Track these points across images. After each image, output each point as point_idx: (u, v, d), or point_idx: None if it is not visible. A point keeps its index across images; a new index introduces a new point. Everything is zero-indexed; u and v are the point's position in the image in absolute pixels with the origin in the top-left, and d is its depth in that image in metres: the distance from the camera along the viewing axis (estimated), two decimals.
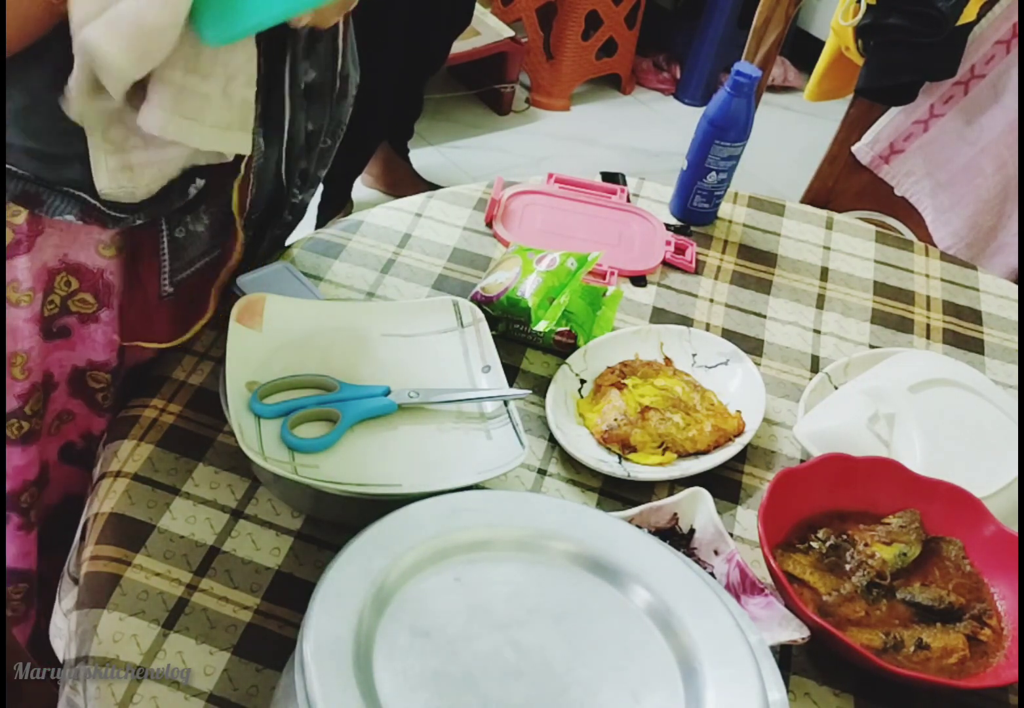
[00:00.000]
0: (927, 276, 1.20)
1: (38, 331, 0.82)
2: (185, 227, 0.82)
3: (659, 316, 1.07)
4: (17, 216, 0.75)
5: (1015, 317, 1.16)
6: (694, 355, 1.00)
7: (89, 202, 0.74)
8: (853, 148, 1.72)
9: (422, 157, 2.51)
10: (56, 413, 0.90)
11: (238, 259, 0.91)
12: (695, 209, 1.19)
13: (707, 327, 1.06)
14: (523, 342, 0.99)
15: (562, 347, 0.99)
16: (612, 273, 1.10)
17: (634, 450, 0.89)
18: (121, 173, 0.73)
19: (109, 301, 0.85)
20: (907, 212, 1.75)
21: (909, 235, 1.72)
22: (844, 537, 0.82)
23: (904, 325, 1.12)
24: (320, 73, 0.86)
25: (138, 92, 0.66)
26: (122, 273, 0.84)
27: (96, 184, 0.73)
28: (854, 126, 1.73)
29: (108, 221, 0.76)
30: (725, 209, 1.24)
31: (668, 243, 1.15)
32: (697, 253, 1.16)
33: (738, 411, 0.94)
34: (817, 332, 1.09)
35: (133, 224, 0.78)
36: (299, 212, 0.98)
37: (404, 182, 2.36)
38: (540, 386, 0.95)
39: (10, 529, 0.90)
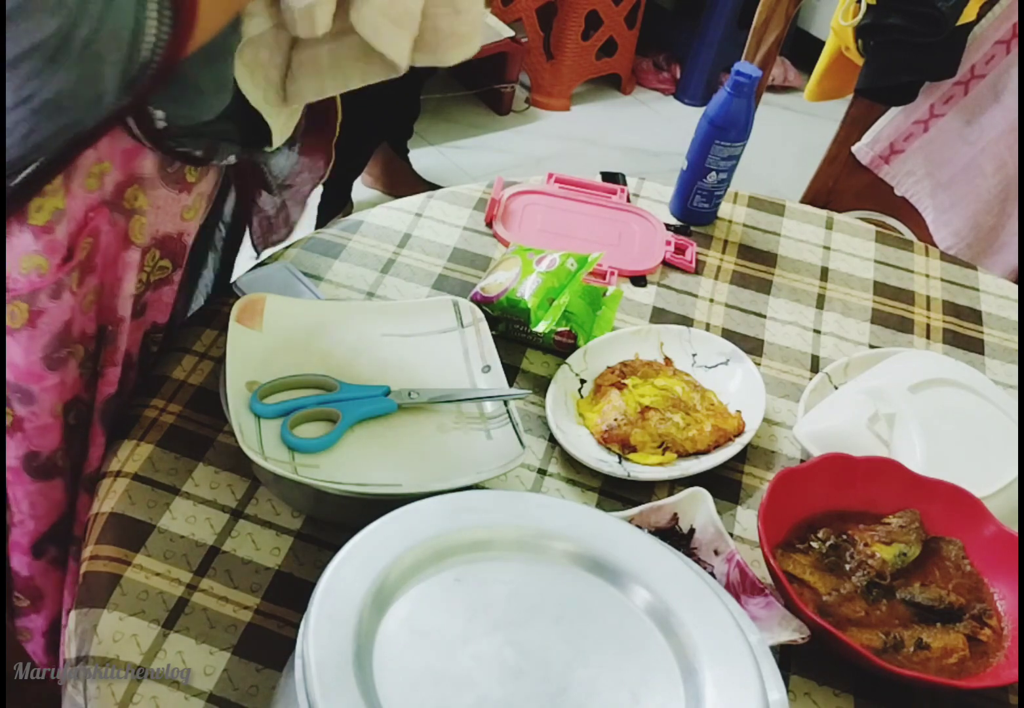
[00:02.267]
0: (927, 276, 1.20)
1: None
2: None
3: (659, 316, 1.07)
4: (137, 199, 0.76)
5: (1015, 317, 1.16)
6: (694, 355, 1.00)
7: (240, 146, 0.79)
8: (853, 148, 1.72)
9: (422, 157, 2.51)
10: (129, 393, 0.90)
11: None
12: (695, 209, 1.19)
13: (707, 327, 1.06)
14: (523, 342, 0.99)
15: (562, 347, 0.99)
16: (612, 273, 1.10)
17: (634, 450, 0.89)
18: (289, 122, 0.81)
19: (182, 261, 0.85)
20: (907, 212, 1.75)
21: (909, 235, 1.72)
22: (844, 537, 0.82)
23: (904, 325, 1.12)
24: None
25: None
26: (196, 230, 0.86)
27: (275, 142, 0.80)
28: (854, 126, 1.73)
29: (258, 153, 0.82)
30: (725, 209, 1.24)
31: (668, 243, 1.15)
32: (697, 253, 1.16)
33: (738, 411, 0.94)
34: (817, 332, 1.09)
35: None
36: None
37: (404, 182, 2.36)
38: (540, 386, 0.95)
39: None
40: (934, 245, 1.62)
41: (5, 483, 0.87)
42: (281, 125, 0.79)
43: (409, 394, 0.83)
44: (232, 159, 0.79)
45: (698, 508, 0.81)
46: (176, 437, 0.85)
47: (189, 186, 0.79)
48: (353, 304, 0.97)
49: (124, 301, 0.79)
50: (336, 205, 2.19)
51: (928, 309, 1.15)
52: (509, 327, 0.99)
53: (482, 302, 0.96)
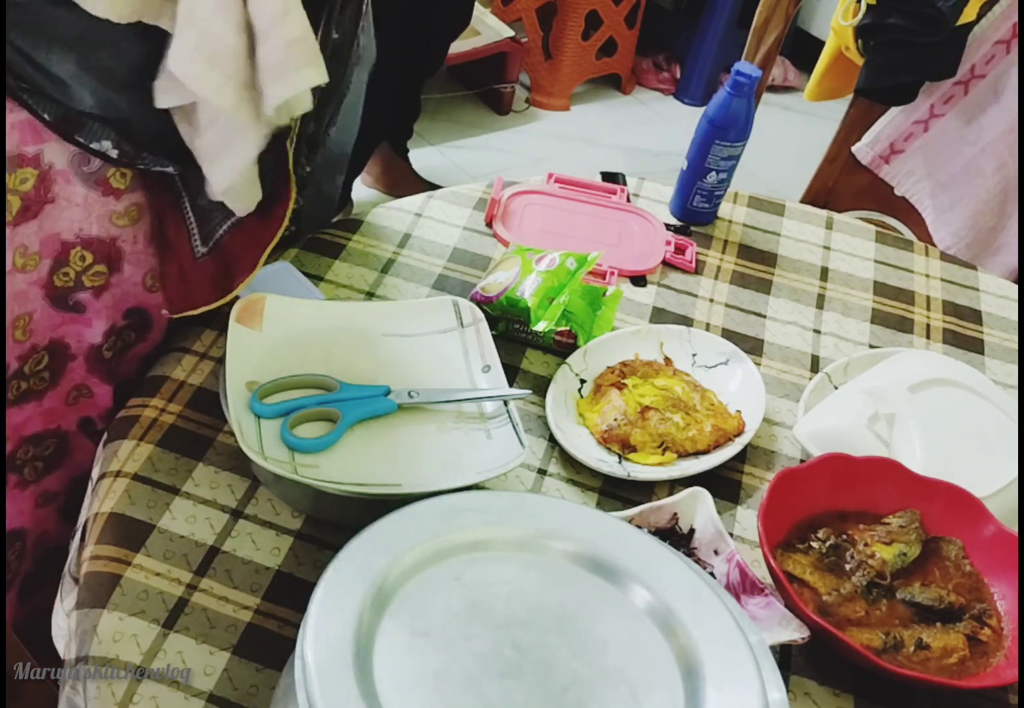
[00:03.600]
0: (927, 276, 1.20)
1: (43, 296, 0.83)
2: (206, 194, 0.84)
3: (659, 316, 1.07)
4: (25, 183, 0.76)
5: (1015, 317, 1.16)
6: (694, 355, 1.00)
7: (122, 137, 0.77)
8: (853, 148, 1.72)
9: (422, 157, 2.51)
10: (74, 385, 0.91)
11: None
12: (695, 209, 1.19)
13: (707, 327, 1.06)
14: (523, 342, 0.99)
15: (562, 347, 0.98)
16: (612, 273, 1.10)
17: (634, 450, 0.89)
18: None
19: (120, 265, 0.86)
20: (907, 212, 1.75)
21: (909, 235, 1.72)
22: (844, 537, 0.82)
23: (904, 325, 1.12)
24: (343, 35, 0.86)
25: None
26: (139, 240, 0.86)
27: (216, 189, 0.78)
28: (854, 126, 1.73)
29: (137, 161, 0.79)
30: (725, 209, 1.24)
31: (668, 243, 1.15)
32: (697, 253, 1.16)
33: (738, 411, 0.94)
34: (817, 332, 1.09)
35: (163, 168, 0.80)
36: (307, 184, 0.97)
37: (404, 182, 2.35)
38: (540, 386, 0.95)
39: (8, 488, 0.91)
40: (934, 245, 1.62)
41: (5, 490, 0.88)
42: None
43: (409, 394, 0.83)
44: (110, 148, 0.76)
45: (698, 508, 0.81)
46: (176, 437, 0.85)
47: (116, 192, 0.80)
48: (353, 304, 0.97)
49: None
50: (336, 205, 2.19)
51: (928, 309, 1.15)
52: (509, 327, 0.99)
53: (482, 302, 0.96)
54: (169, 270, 0.89)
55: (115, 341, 0.91)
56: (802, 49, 2.94)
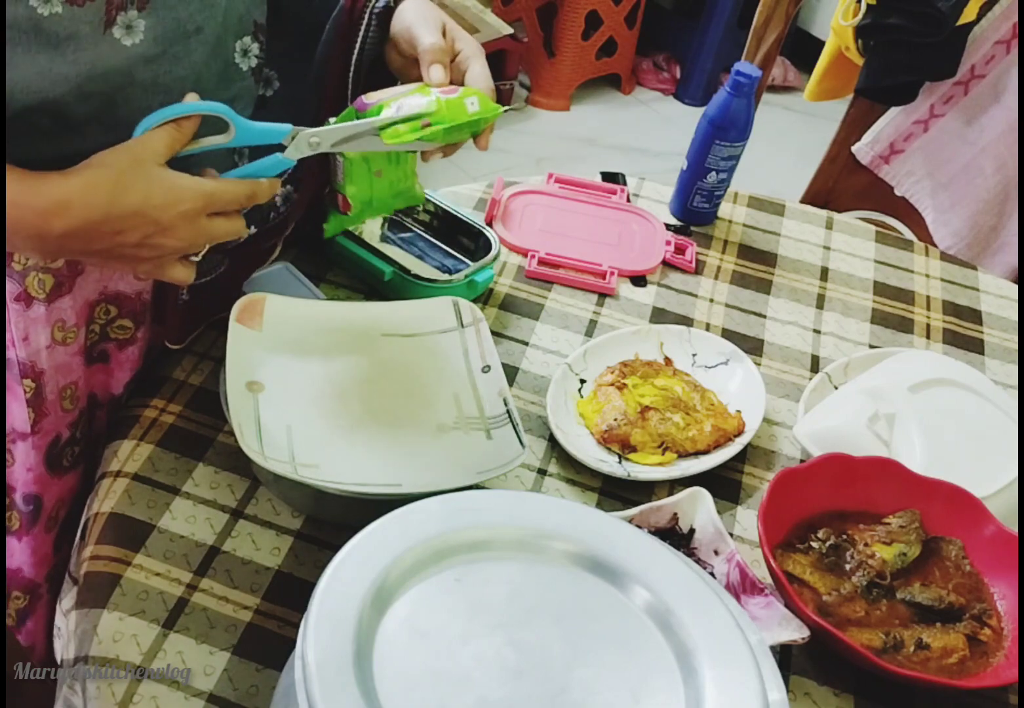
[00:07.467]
0: (927, 276, 1.20)
1: (82, 362, 0.84)
2: None
3: (659, 316, 1.07)
4: (57, 261, 0.77)
5: (1015, 317, 1.16)
6: (694, 355, 1.00)
7: None
8: (853, 148, 1.72)
9: None
10: (102, 430, 0.92)
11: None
12: (695, 209, 1.19)
13: (707, 327, 1.06)
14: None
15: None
16: (612, 273, 1.10)
17: (634, 450, 0.89)
18: None
19: (145, 318, 0.87)
20: (907, 212, 1.75)
21: (909, 235, 1.72)
22: (844, 537, 0.82)
23: (904, 325, 1.12)
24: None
25: None
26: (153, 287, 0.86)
27: None
28: (854, 126, 1.73)
29: None
30: (725, 209, 1.24)
31: (668, 243, 1.15)
32: (697, 253, 1.16)
33: (738, 411, 0.94)
34: (817, 332, 1.09)
35: None
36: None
37: None
38: (540, 386, 0.95)
39: (48, 540, 0.91)
40: (934, 245, 1.62)
41: (4, 482, 0.88)
42: None
43: (309, 142, 0.72)
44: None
45: (698, 508, 0.81)
46: (176, 437, 0.85)
47: None
48: (353, 304, 0.97)
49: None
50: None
51: (928, 309, 1.15)
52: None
53: (359, 109, 0.76)
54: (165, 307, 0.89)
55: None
56: (802, 49, 2.95)
